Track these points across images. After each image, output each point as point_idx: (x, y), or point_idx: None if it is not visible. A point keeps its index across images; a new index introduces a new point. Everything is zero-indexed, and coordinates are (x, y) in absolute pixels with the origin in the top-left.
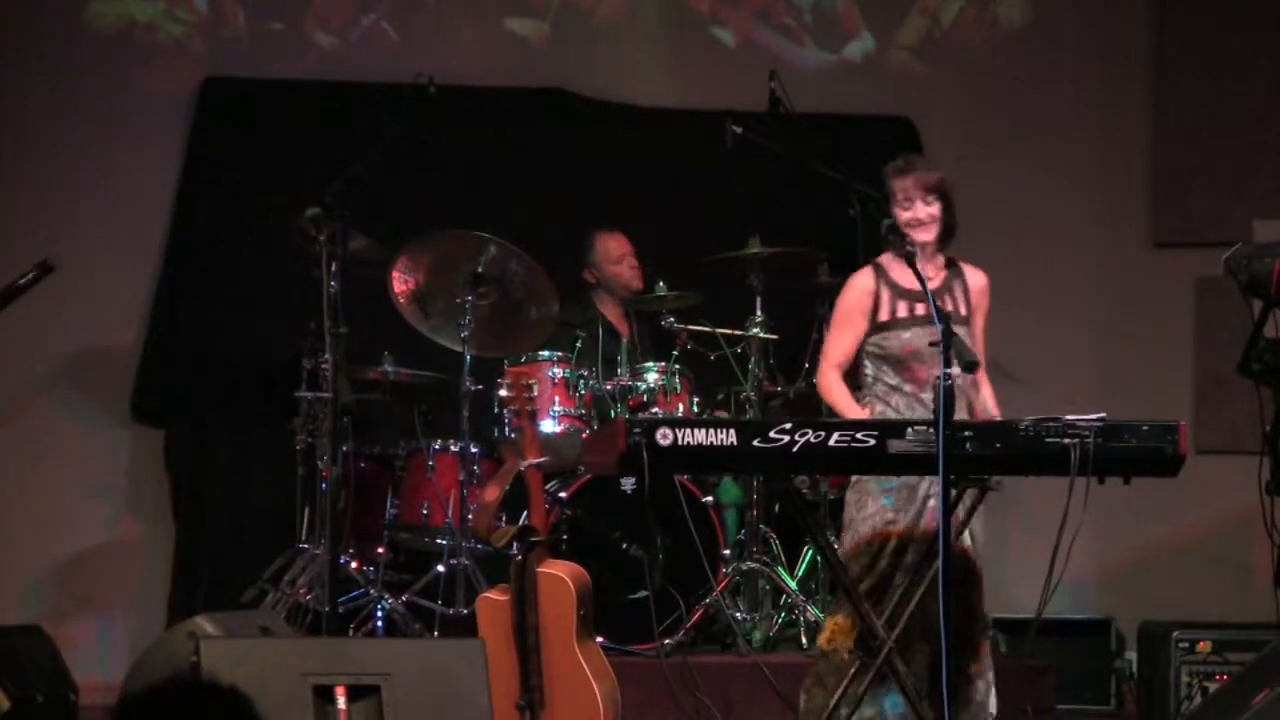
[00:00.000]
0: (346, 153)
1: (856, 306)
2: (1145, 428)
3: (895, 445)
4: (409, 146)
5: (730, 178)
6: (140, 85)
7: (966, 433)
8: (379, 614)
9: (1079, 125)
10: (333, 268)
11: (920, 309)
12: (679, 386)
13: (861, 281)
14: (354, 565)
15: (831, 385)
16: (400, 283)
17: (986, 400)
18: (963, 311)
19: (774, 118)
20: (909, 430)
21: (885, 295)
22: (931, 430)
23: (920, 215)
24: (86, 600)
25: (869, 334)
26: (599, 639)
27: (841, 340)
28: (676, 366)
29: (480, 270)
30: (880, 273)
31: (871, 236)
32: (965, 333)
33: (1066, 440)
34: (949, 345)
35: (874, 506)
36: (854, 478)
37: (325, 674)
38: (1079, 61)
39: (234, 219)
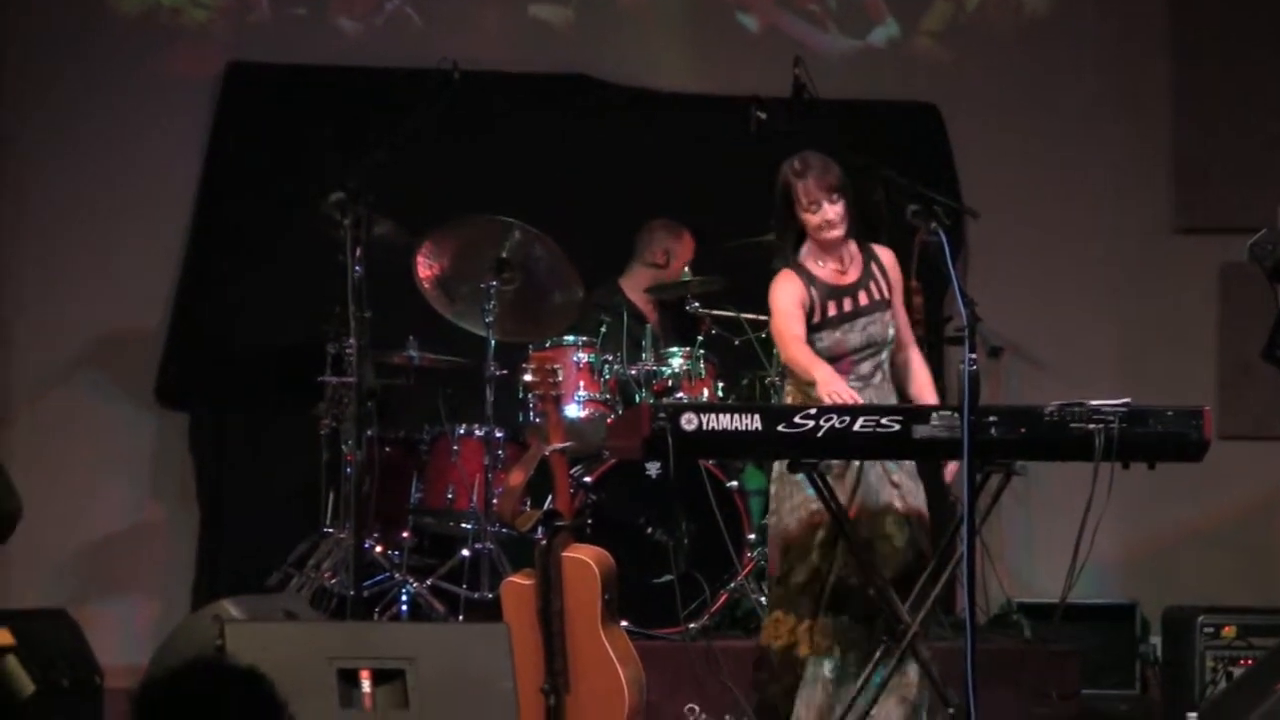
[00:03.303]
0: (370, 138)
1: (796, 301)
2: (1170, 413)
3: (920, 430)
4: (433, 132)
5: (754, 164)
6: (164, 70)
7: (992, 418)
8: (403, 598)
9: (1102, 111)
10: (357, 253)
11: (848, 304)
12: (703, 371)
13: (792, 284)
14: (378, 549)
15: (797, 348)
16: (425, 268)
17: (923, 385)
18: (886, 295)
19: (798, 104)
20: (934, 415)
21: (815, 297)
22: (957, 415)
23: (829, 216)
24: (111, 584)
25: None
26: (623, 623)
27: (795, 323)
28: (701, 351)
29: (504, 255)
30: (804, 274)
31: (896, 221)
32: (888, 315)
33: (1091, 426)
34: (974, 331)
35: (800, 497)
36: (777, 470)
37: (350, 658)
38: (1102, 46)
39: (258, 204)
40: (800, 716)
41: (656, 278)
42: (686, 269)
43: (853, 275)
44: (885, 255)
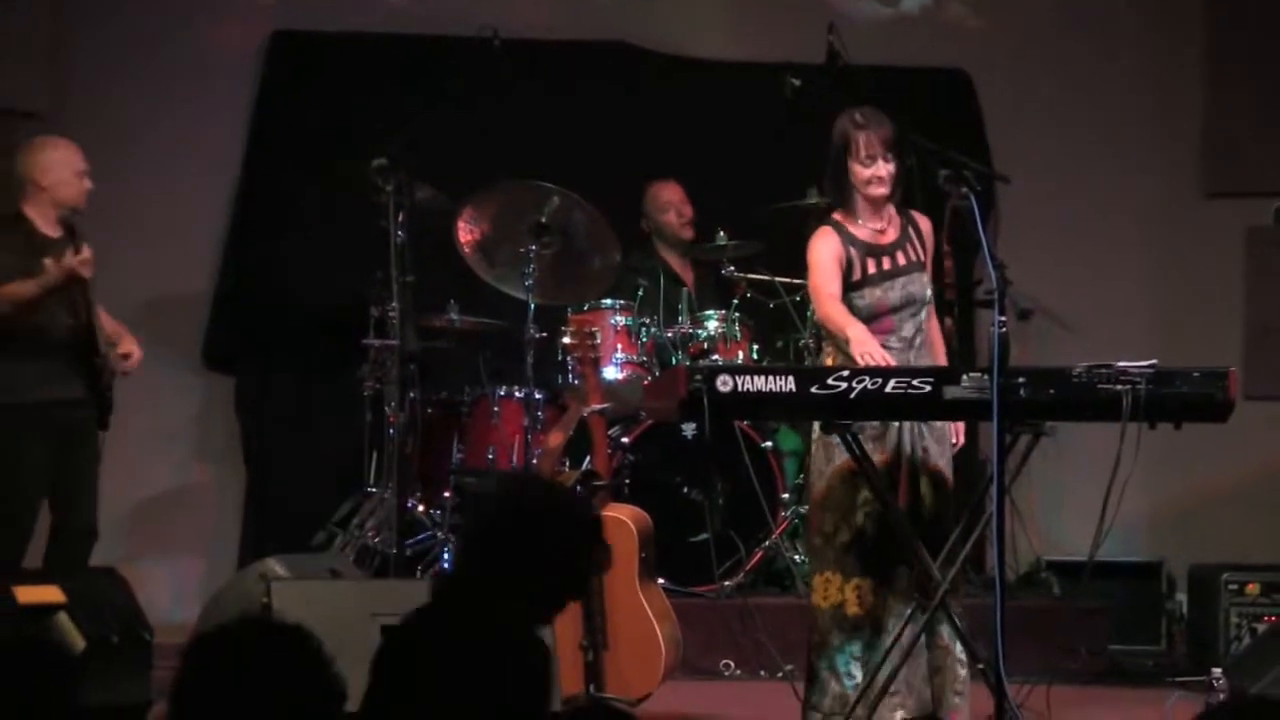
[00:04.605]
0: (413, 105)
1: (834, 258)
2: (1196, 374)
3: (951, 391)
4: (474, 99)
5: (789, 129)
6: (210, 39)
7: (1021, 379)
8: (445, 556)
9: (1131, 77)
10: (399, 218)
11: (887, 263)
12: (739, 334)
13: (830, 241)
14: (420, 509)
15: (832, 305)
16: (466, 232)
17: (939, 355)
18: (922, 258)
19: (832, 70)
20: (964, 377)
21: (854, 255)
22: (986, 377)
23: (881, 173)
24: (160, 544)
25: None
26: (660, 581)
27: (831, 280)
28: (736, 314)
29: (544, 220)
30: (842, 232)
31: (927, 186)
32: (925, 276)
33: (1119, 386)
34: (1003, 294)
35: (842, 458)
36: (816, 432)
37: (393, 615)
38: (1132, 12)
39: (302, 171)
40: (855, 677)
41: (664, 223)
42: (682, 213)
43: (891, 235)
44: (924, 223)
